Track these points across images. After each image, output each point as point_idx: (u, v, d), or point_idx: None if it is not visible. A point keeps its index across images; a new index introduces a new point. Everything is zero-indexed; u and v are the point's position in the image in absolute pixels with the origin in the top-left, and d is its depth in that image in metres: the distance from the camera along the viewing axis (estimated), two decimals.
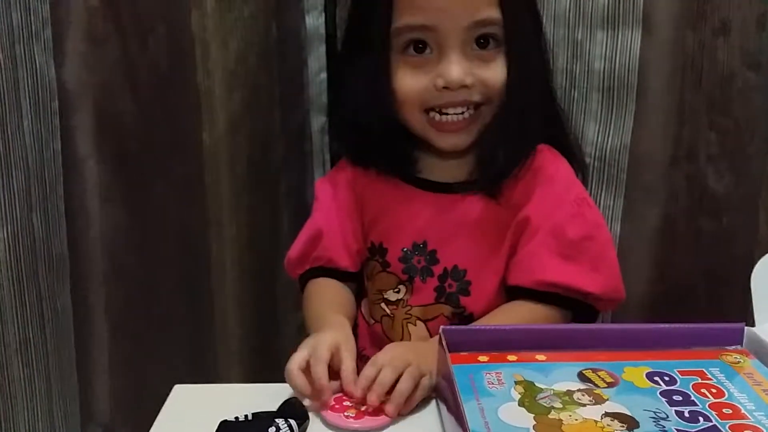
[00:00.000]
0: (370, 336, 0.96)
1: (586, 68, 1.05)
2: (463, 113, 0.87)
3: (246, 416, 0.68)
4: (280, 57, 1.21)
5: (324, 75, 1.23)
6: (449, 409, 0.65)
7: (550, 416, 0.60)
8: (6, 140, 1.02)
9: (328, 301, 0.87)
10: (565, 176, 0.91)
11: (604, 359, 0.69)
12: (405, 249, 0.90)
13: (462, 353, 0.69)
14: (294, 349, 0.74)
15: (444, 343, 0.68)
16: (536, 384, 0.65)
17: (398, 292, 0.92)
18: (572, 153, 0.94)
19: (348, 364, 0.70)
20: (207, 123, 1.10)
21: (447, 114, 0.87)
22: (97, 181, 1.14)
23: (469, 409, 0.58)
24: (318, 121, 1.25)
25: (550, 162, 0.89)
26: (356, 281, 0.95)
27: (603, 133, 1.08)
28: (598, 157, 1.07)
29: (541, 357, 0.69)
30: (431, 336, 0.84)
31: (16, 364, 1.12)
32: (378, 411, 0.69)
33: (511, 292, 0.86)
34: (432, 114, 0.88)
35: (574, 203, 0.86)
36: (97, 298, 1.19)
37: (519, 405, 0.61)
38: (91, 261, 1.18)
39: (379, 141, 0.90)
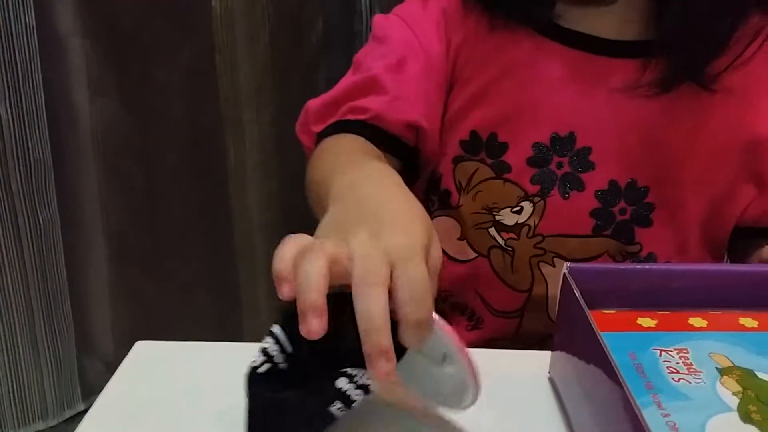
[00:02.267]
0: (464, 277, 0.66)
1: None
2: None
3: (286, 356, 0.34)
4: None
5: None
6: (601, 411, 0.37)
7: None
8: None
9: (359, 152, 0.56)
10: None
11: None
12: (538, 144, 0.61)
13: (606, 311, 0.42)
14: None
15: (576, 291, 0.42)
16: (759, 375, 0.38)
17: (518, 211, 0.63)
18: None
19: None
20: None
21: None
22: (83, 65, 0.98)
23: (650, 422, 0.31)
24: None
25: None
26: (406, 167, 0.65)
27: None
28: None
29: (748, 322, 0.43)
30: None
31: None
32: None
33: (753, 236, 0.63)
34: None
35: None
36: (92, 212, 1.05)
37: (742, 419, 0.35)
38: (82, 166, 1.02)
39: None
